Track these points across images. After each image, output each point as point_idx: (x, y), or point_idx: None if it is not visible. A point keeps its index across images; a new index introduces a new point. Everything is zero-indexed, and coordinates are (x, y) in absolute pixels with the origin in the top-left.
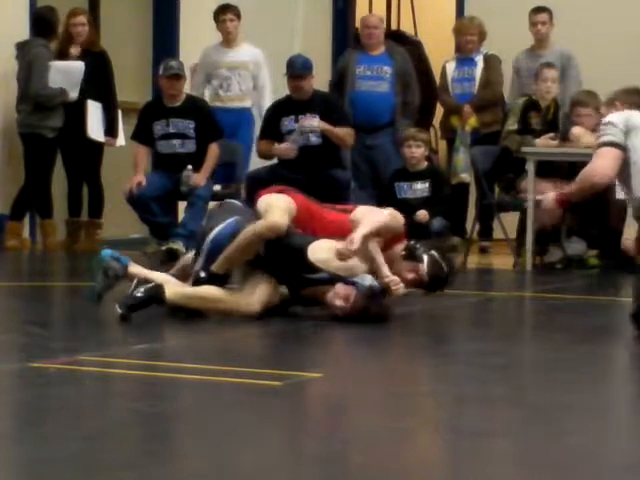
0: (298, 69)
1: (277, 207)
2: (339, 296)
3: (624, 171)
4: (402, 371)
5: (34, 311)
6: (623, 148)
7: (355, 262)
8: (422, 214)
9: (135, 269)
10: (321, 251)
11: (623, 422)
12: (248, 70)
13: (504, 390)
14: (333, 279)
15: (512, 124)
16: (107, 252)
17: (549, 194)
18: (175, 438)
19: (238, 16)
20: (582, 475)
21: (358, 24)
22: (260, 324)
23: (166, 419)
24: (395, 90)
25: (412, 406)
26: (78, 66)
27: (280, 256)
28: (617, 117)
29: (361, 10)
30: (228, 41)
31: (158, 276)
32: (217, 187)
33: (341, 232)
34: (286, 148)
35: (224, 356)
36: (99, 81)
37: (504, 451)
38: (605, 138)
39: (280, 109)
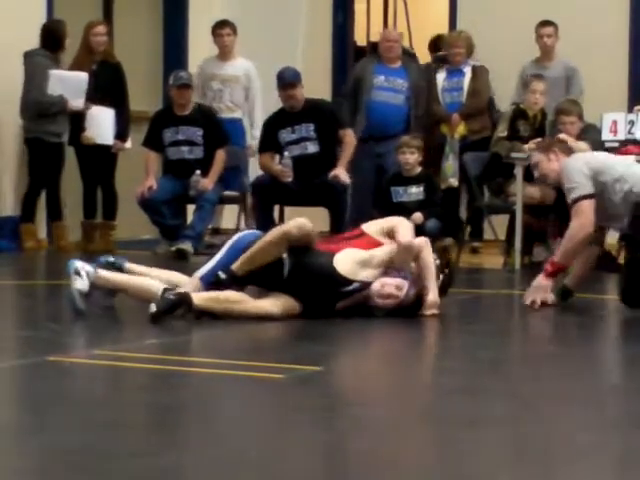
0: (289, 79)
1: (300, 218)
2: (391, 285)
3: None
4: (397, 364)
5: (51, 308)
6: (594, 195)
7: (380, 269)
8: (417, 216)
9: (104, 274)
10: (344, 263)
11: (609, 412)
12: (239, 83)
13: (494, 382)
14: (364, 287)
15: (502, 131)
16: (73, 261)
17: (537, 282)
18: (183, 428)
19: (235, 31)
20: (568, 462)
21: (357, 38)
22: (263, 320)
23: (174, 410)
24: (409, 103)
25: (407, 397)
26: (81, 76)
27: (311, 276)
28: (582, 166)
29: (360, 24)
30: (224, 55)
31: (127, 280)
32: (227, 192)
33: None
34: (282, 170)
35: (229, 350)
36: (114, 90)
37: (494, 440)
38: (582, 192)
39: (276, 122)
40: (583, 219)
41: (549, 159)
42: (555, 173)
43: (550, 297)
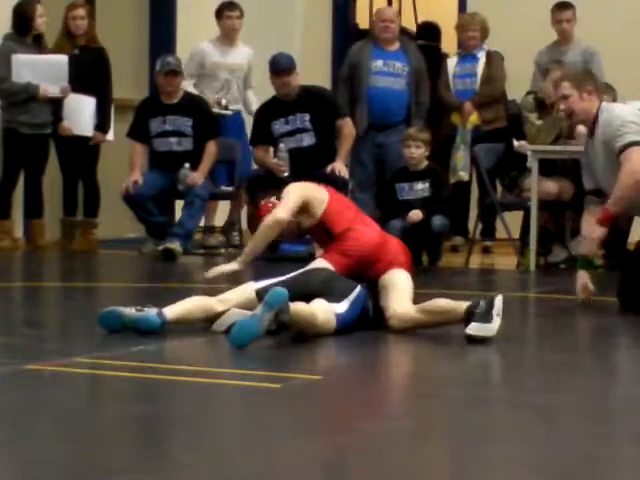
0: (283, 65)
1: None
2: None
3: None
4: (403, 374)
5: (28, 312)
6: None
7: None
8: (414, 214)
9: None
10: None
11: (626, 425)
12: (244, 71)
13: (507, 393)
14: None
15: (536, 119)
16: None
17: (587, 232)
18: (172, 441)
19: (242, 14)
20: (583, 478)
21: (359, 20)
22: None
23: (163, 422)
24: (410, 88)
25: (413, 408)
26: (60, 60)
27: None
28: (634, 111)
29: (362, 6)
30: (231, 39)
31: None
32: (227, 187)
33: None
34: (277, 163)
35: (221, 358)
36: (96, 77)
37: (505, 454)
38: (636, 137)
39: (268, 112)
40: (632, 165)
41: (582, 97)
42: (585, 114)
43: (599, 252)
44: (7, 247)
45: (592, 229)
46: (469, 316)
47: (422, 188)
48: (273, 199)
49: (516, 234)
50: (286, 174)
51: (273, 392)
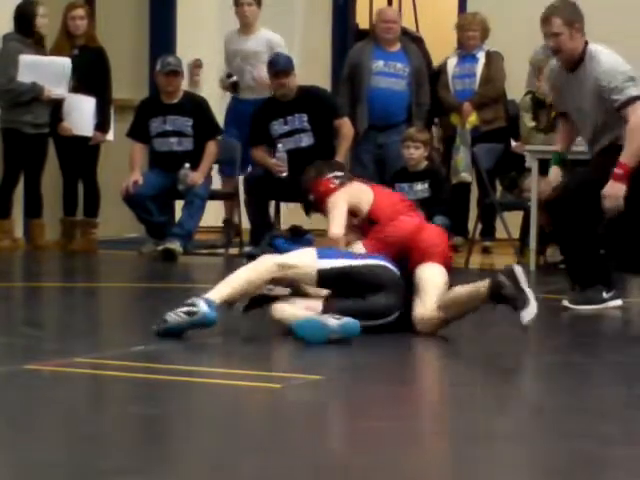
0: (282, 65)
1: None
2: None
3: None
4: (404, 375)
5: (28, 312)
6: None
7: None
8: None
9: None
10: None
11: (626, 425)
12: (260, 59)
13: (509, 394)
14: None
15: (530, 121)
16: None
17: (610, 190)
18: (173, 441)
19: (258, 2)
20: (583, 478)
21: (359, 20)
22: (259, 327)
23: (164, 422)
24: (411, 89)
25: (414, 409)
26: (63, 62)
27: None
28: (623, 62)
29: (362, 6)
30: (244, 27)
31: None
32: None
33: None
34: (275, 164)
35: (222, 358)
36: (96, 77)
37: (506, 455)
38: (636, 92)
39: (267, 112)
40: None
41: (571, 36)
42: (573, 52)
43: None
44: (7, 247)
45: (613, 187)
46: (498, 299)
47: (422, 189)
48: (336, 181)
49: (516, 234)
50: (285, 174)
51: (273, 392)
